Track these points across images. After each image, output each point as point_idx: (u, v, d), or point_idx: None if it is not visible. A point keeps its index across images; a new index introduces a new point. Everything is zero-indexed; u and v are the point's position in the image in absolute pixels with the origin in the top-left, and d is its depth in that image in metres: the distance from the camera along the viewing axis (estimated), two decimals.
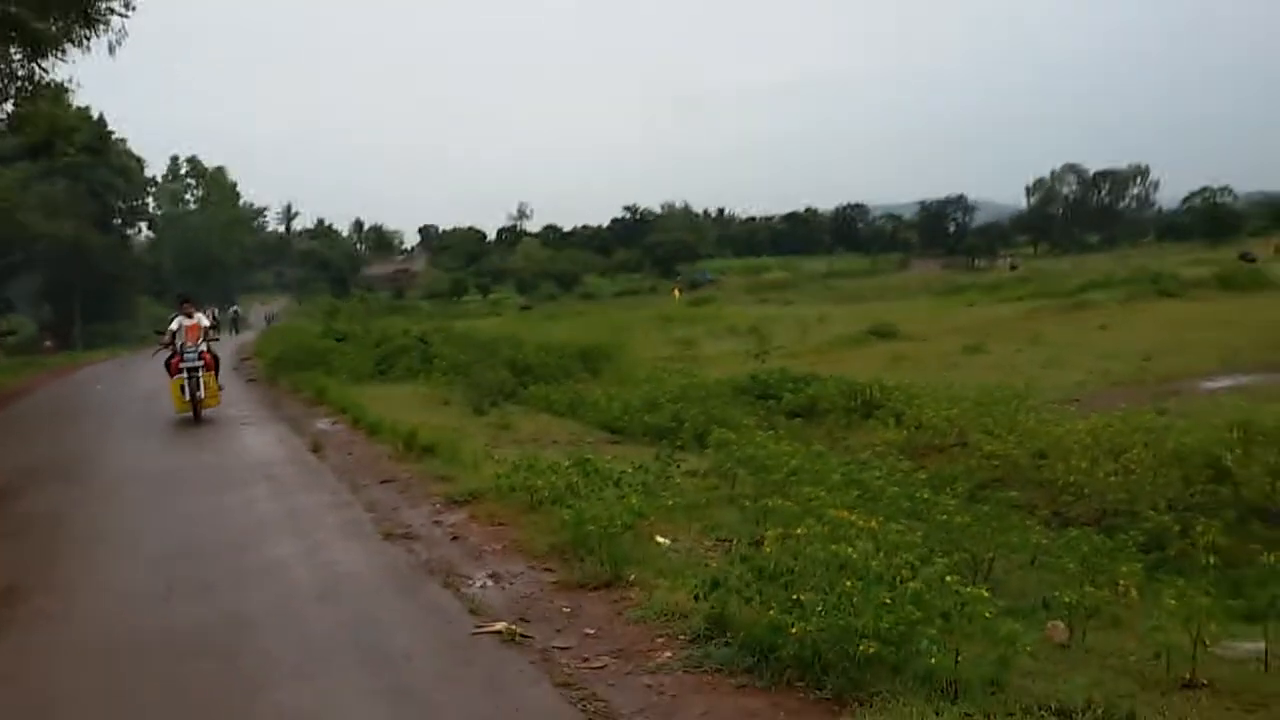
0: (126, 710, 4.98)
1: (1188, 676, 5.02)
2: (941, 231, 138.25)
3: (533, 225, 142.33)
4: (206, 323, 16.16)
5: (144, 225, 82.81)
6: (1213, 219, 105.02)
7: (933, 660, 4.25)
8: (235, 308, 66.77)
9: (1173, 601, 5.15)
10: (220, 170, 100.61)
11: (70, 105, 46.24)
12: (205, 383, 15.41)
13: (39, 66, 31.26)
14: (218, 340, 16.92)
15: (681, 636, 5.26)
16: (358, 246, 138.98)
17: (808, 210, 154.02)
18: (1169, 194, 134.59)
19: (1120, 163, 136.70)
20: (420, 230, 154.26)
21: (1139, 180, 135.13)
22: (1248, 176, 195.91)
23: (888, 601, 4.45)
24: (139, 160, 72.28)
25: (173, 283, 68.98)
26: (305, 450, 12.61)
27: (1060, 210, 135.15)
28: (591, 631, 5.54)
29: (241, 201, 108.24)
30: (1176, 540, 8.65)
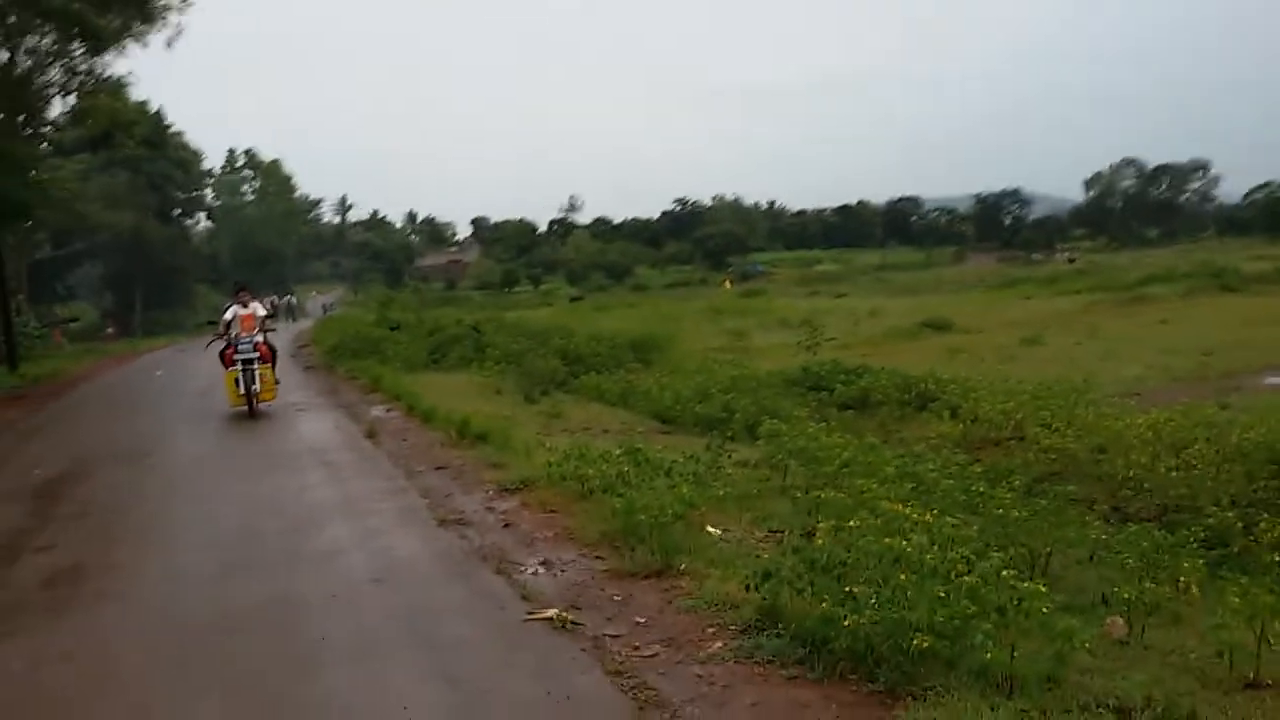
0: (181, 688, 5.07)
1: (1251, 676, 4.90)
2: (997, 225, 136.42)
3: (583, 217, 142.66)
4: (262, 312, 15.66)
5: (202, 216, 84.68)
6: (1275, 214, 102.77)
7: (988, 655, 4.19)
8: (290, 297, 67.64)
9: (1236, 599, 5.03)
10: (276, 162, 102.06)
11: (129, 99, 47.07)
12: (261, 375, 14.85)
13: (100, 61, 31.98)
14: (275, 331, 16.29)
15: (732, 627, 5.24)
16: (411, 237, 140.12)
17: (860, 203, 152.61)
18: (1230, 188, 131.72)
19: (1180, 157, 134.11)
20: (472, 222, 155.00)
21: (1200, 174, 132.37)
22: None
23: (942, 595, 4.39)
24: (196, 153, 73.67)
25: (230, 272, 70.07)
26: (361, 436, 12.74)
27: (1118, 204, 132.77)
28: (642, 620, 5.54)
29: (297, 194, 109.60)
30: (1240, 537, 8.46)
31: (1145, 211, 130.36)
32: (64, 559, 7.64)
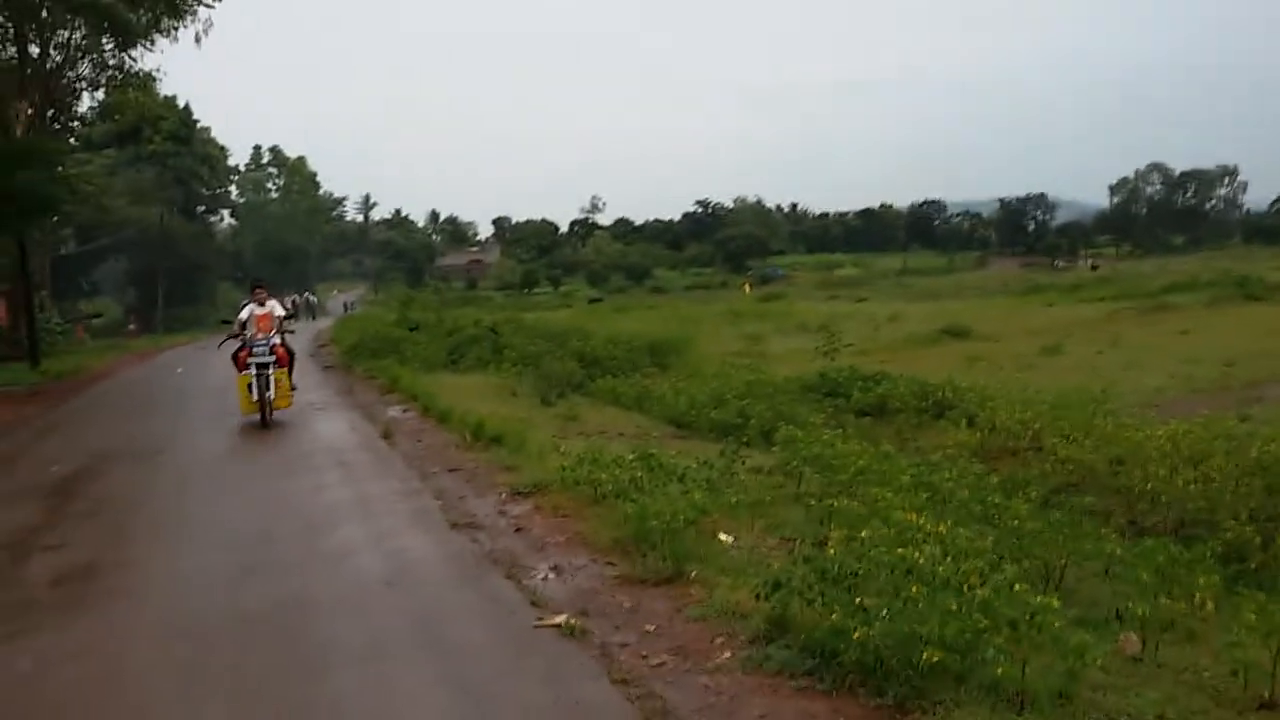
0: (192, 686, 5.09)
1: (1266, 696, 4.84)
2: (1021, 230, 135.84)
3: (605, 218, 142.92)
4: (280, 312, 14.58)
5: (226, 213, 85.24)
6: None
7: (999, 670, 4.15)
8: (310, 295, 67.95)
9: (1253, 616, 4.96)
10: (301, 160, 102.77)
11: (158, 94, 47.50)
12: (276, 381, 13.76)
13: (129, 56, 32.34)
14: (294, 333, 15.37)
15: (742, 636, 5.21)
16: (433, 237, 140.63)
17: (883, 206, 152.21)
18: (1257, 195, 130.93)
19: (1207, 163, 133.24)
20: (494, 222, 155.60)
21: (1226, 181, 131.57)
22: None
23: (954, 608, 4.35)
24: (223, 149, 74.25)
25: (253, 270, 70.40)
26: (376, 437, 12.77)
27: (1144, 210, 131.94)
28: (651, 628, 5.52)
29: (321, 191, 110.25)
30: (1258, 553, 8.36)
31: (1171, 218, 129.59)
32: (76, 557, 7.69)
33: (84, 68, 33.77)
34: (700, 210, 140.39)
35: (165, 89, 50.52)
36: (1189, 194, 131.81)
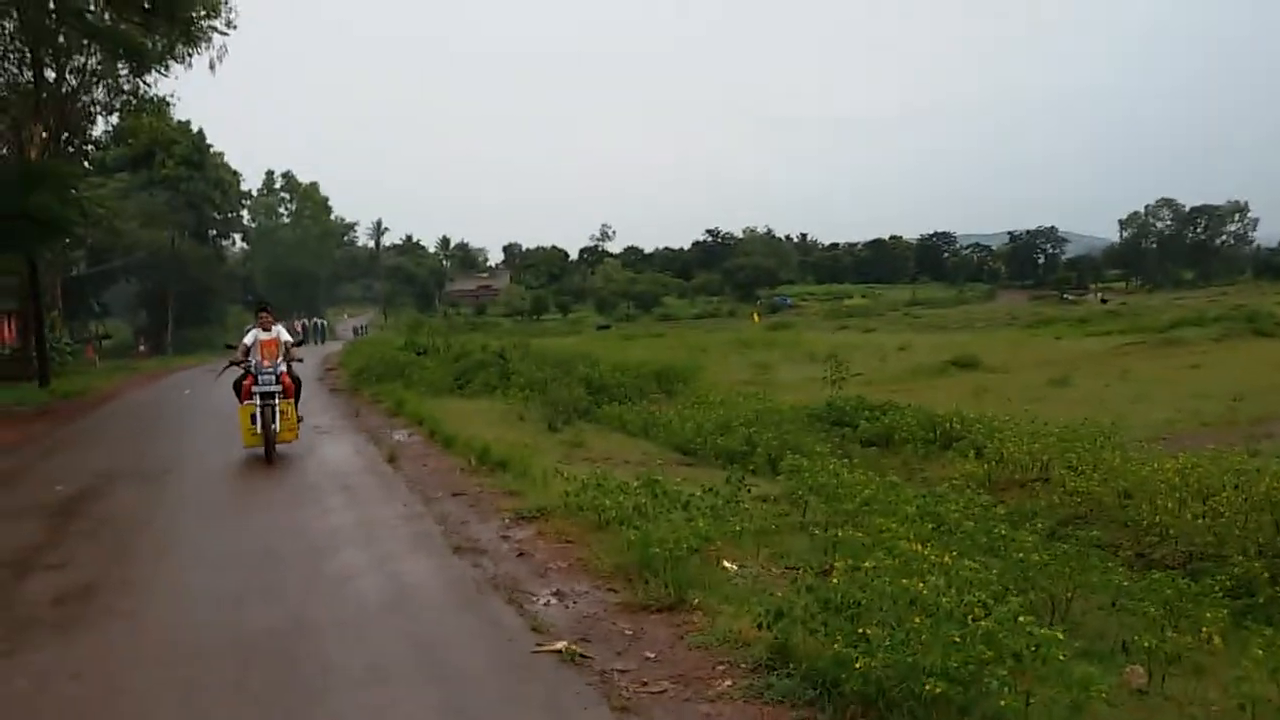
0: (190, 708, 5.04)
1: None
2: (1030, 263, 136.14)
3: (614, 246, 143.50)
4: (287, 337, 13.57)
5: (238, 237, 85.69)
6: None
7: (1003, 702, 4.11)
8: (319, 319, 68.18)
9: (1260, 651, 4.92)
10: (313, 185, 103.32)
11: (172, 119, 47.89)
12: (282, 412, 12.89)
13: (143, 82, 32.66)
14: (301, 361, 14.26)
15: (743, 665, 5.17)
16: (443, 262, 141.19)
17: (893, 238, 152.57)
18: (1268, 232, 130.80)
19: (1217, 198, 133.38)
20: (504, 248, 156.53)
21: (1237, 217, 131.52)
22: None
23: (957, 640, 4.31)
24: (235, 174, 74.58)
25: (264, 293, 70.69)
26: (381, 461, 12.75)
27: (1154, 245, 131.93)
28: (652, 655, 5.47)
29: (333, 216, 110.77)
30: (1266, 587, 8.29)
31: (1181, 253, 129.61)
32: (78, 576, 7.66)
33: (99, 92, 34.15)
34: (710, 239, 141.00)
35: (179, 114, 51.01)
36: (1199, 229, 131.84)
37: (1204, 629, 6.04)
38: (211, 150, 69.19)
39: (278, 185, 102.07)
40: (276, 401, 12.80)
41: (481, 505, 9.68)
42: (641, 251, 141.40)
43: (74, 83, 32.36)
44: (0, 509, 10.59)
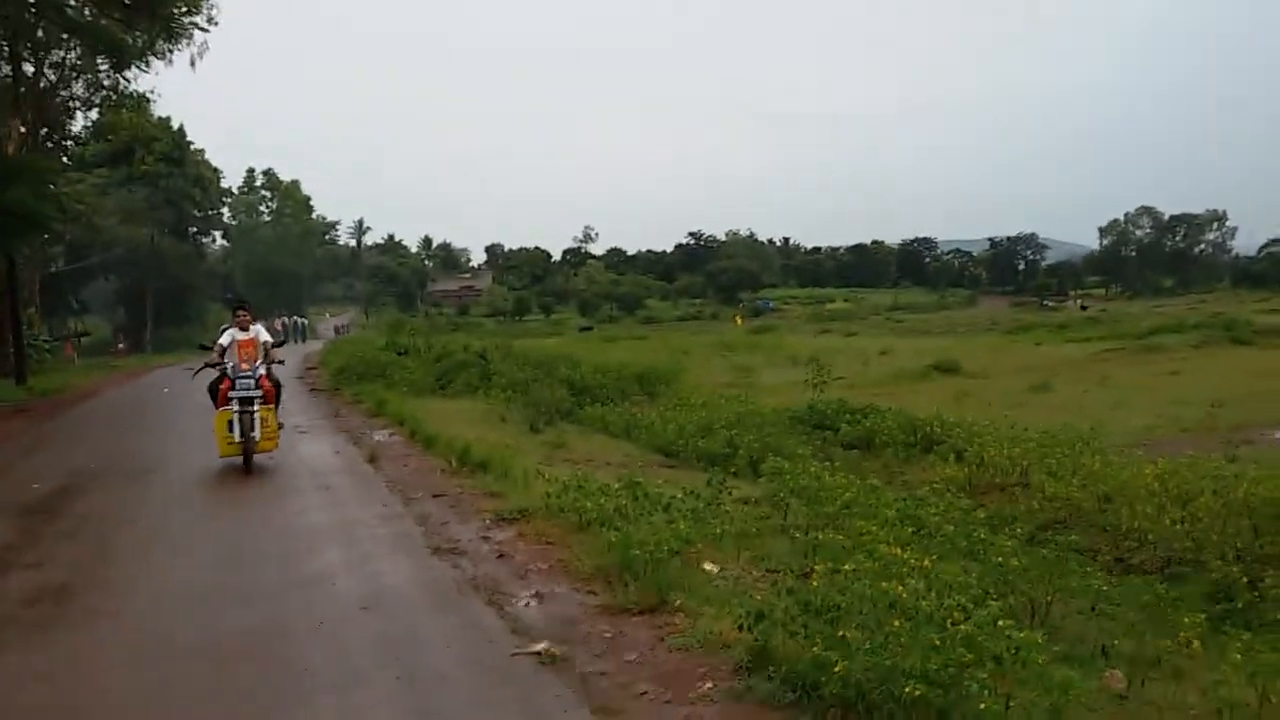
0: (162, 712, 4.99)
1: None
2: (1011, 269, 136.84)
3: (597, 248, 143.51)
4: (266, 338, 12.73)
5: (218, 234, 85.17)
6: None
7: (982, 705, 4.10)
8: (299, 318, 67.80)
9: (1238, 655, 4.94)
10: (295, 184, 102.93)
11: (152, 115, 47.55)
12: (262, 419, 11.94)
13: (123, 77, 32.41)
14: (282, 362, 13.35)
15: (724, 667, 5.16)
16: (425, 262, 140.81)
17: (874, 243, 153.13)
18: (1246, 241, 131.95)
19: (1196, 207, 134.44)
20: (487, 249, 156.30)
21: (1215, 226, 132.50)
22: None
23: (937, 643, 4.31)
24: (216, 171, 74.16)
25: (244, 291, 70.24)
26: (361, 461, 12.68)
27: (1133, 252, 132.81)
28: (632, 657, 5.45)
29: (314, 215, 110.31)
30: (1244, 592, 8.32)
31: (1160, 261, 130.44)
32: (53, 576, 7.57)
33: (78, 88, 33.89)
34: (693, 242, 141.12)
35: (159, 110, 50.58)
36: (1178, 237, 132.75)
37: (1182, 634, 6.05)
38: (192, 147, 68.80)
39: (259, 183, 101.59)
40: (256, 408, 11.90)
41: (462, 506, 9.64)
42: (624, 253, 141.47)
43: (53, 77, 32.12)
44: None
